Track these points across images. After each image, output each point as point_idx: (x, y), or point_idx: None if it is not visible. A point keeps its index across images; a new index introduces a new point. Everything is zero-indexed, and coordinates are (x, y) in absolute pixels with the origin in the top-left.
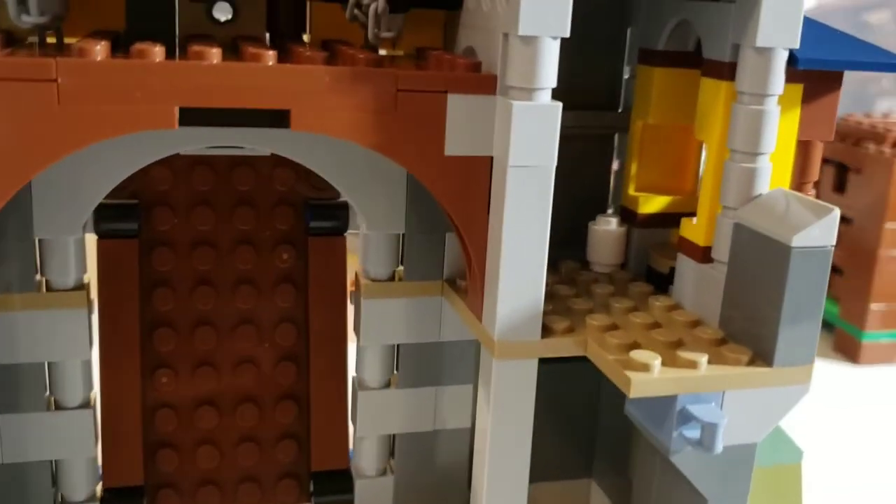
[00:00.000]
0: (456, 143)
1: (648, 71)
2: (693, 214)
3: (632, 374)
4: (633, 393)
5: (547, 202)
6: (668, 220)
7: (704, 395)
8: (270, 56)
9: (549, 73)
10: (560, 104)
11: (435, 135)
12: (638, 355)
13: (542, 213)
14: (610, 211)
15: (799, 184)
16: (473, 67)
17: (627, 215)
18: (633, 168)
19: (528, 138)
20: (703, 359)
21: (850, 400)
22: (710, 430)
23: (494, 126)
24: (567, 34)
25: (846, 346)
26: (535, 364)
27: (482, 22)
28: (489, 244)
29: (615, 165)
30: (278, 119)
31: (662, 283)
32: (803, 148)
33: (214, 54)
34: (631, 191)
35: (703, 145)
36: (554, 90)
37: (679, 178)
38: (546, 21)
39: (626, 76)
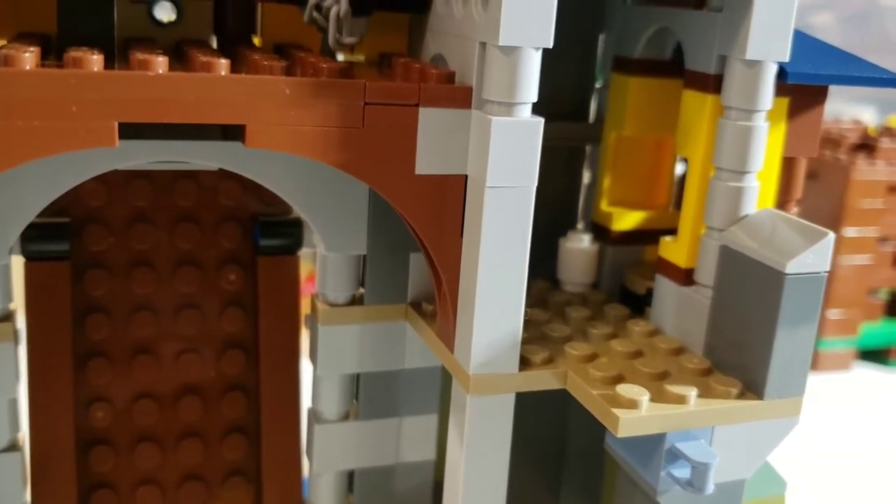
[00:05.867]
0: (428, 162)
1: (623, 80)
2: (668, 231)
3: (619, 412)
4: (622, 433)
5: (527, 225)
6: (643, 237)
7: (693, 431)
8: (223, 65)
9: (530, 86)
10: (542, 119)
11: (405, 152)
12: (624, 390)
13: (521, 237)
14: (580, 226)
15: (782, 202)
16: (447, 78)
17: (600, 232)
18: (606, 182)
19: (507, 157)
20: (693, 393)
21: (807, 409)
22: (701, 470)
23: (469, 143)
24: (550, 45)
25: None
26: (511, 399)
27: (455, 29)
28: (463, 270)
29: (586, 179)
30: (231, 134)
31: (638, 304)
32: (786, 165)
33: (160, 63)
34: (604, 206)
35: (679, 159)
36: None
37: (653, 193)
38: (528, 30)
39: (598, 85)
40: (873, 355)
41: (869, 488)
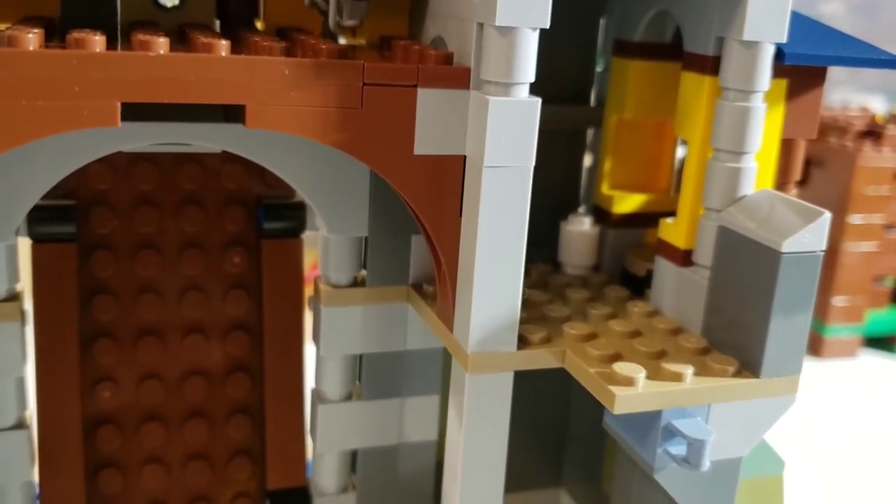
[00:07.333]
0: (426, 142)
1: (624, 64)
2: (669, 214)
3: (616, 389)
4: (618, 409)
5: (525, 205)
6: (644, 219)
7: (690, 408)
8: (224, 46)
9: (527, 66)
10: (539, 100)
11: (404, 132)
12: (621, 368)
13: (519, 216)
14: (581, 209)
15: (781, 184)
16: (445, 59)
17: (601, 215)
18: (607, 165)
19: (504, 137)
20: (689, 371)
21: (813, 395)
22: (696, 447)
23: (468, 123)
24: (547, 25)
25: (808, 341)
26: (510, 377)
27: (453, 10)
28: (461, 249)
29: (587, 161)
30: (232, 116)
31: (639, 286)
32: (785, 146)
33: (162, 44)
34: (605, 189)
35: (680, 142)
36: None
37: (654, 176)
38: (525, 11)
39: (598, 68)
40: (879, 342)
41: (872, 472)
